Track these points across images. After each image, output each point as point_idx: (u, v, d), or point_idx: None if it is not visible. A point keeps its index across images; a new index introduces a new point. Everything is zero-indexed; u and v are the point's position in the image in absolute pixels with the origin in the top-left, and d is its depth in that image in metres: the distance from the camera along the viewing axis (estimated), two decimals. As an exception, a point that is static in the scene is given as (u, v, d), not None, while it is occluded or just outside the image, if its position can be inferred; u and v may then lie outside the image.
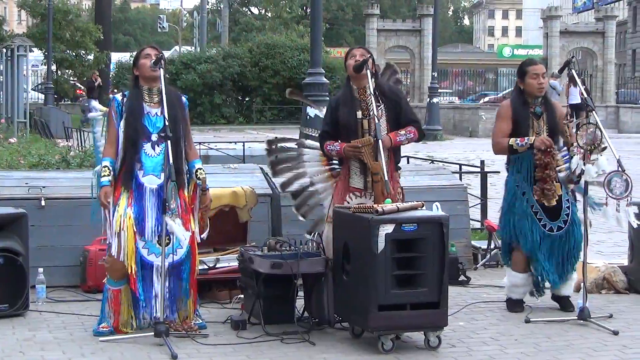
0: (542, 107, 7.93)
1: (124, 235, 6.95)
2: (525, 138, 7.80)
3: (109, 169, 7.05)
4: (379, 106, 7.31)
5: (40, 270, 8.03)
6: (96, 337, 6.96)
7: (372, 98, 7.23)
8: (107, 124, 7.36)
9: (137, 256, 6.98)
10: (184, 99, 7.36)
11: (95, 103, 7.72)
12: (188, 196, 7.23)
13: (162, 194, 6.95)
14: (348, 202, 7.33)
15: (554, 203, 7.88)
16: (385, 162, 7.00)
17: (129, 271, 6.98)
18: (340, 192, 7.45)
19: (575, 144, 7.53)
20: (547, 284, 8.06)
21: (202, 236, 7.35)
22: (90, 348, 6.74)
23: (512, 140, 7.85)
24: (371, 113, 7.26)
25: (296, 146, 8.08)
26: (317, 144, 7.80)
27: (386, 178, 6.96)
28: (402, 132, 7.37)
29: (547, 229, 7.88)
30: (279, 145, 8.13)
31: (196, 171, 7.25)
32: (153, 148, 7.09)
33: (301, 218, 8.13)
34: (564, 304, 8.03)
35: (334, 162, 7.80)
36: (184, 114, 7.25)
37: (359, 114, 7.38)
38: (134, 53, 7.56)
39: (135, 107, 7.12)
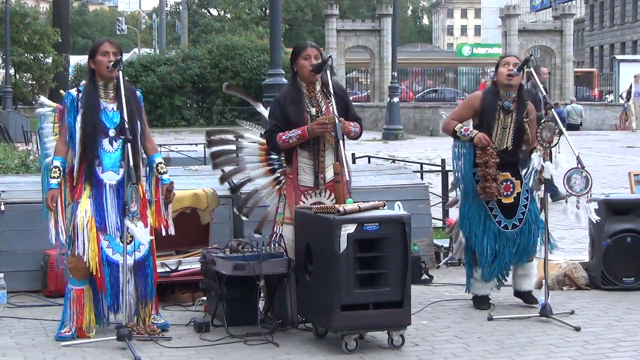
0: (513, 104, 7.89)
1: (87, 235, 6.90)
2: (470, 129, 7.87)
3: (59, 169, 6.96)
4: (329, 103, 7.30)
5: (1, 275, 7.98)
6: (58, 342, 6.90)
7: (333, 98, 7.24)
8: (59, 121, 7.16)
9: (102, 255, 6.94)
10: (138, 93, 7.28)
11: (44, 99, 7.60)
12: (151, 188, 7.21)
13: (121, 190, 6.92)
14: (303, 203, 7.31)
15: (512, 200, 7.93)
16: (345, 161, 7.02)
17: (94, 272, 6.94)
18: (292, 194, 7.38)
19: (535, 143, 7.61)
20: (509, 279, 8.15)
21: (170, 231, 7.32)
22: (52, 353, 6.69)
23: (457, 126, 7.92)
24: (332, 112, 7.22)
25: (234, 138, 7.95)
26: (255, 137, 7.81)
27: (347, 177, 6.98)
28: (352, 124, 7.40)
29: (502, 226, 7.92)
30: (219, 137, 8.04)
31: (157, 165, 7.22)
32: (111, 144, 7.02)
33: (244, 218, 8.05)
34: (527, 298, 8.08)
35: (272, 156, 7.74)
36: (139, 107, 7.20)
37: (314, 111, 7.35)
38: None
39: (92, 102, 7.02)
